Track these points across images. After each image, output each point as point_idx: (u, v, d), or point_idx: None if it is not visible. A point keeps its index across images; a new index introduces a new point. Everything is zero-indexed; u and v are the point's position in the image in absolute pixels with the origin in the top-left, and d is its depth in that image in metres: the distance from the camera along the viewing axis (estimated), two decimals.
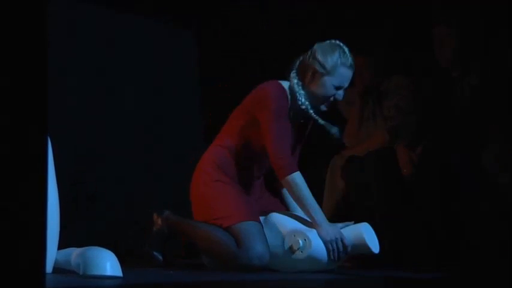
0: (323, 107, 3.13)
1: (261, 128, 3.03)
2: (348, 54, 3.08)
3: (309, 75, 3.08)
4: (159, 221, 3.12)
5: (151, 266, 3.09)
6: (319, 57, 3.07)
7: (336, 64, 3.05)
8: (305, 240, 2.95)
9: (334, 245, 2.95)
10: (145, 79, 4.34)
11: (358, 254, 3.07)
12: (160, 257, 3.12)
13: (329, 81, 3.06)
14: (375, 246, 2.97)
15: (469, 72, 3.67)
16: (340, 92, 3.09)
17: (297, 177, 2.97)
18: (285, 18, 4.42)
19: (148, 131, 4.34)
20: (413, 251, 3.47)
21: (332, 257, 2.94)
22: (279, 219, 3.05)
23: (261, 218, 3.08)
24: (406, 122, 3.83)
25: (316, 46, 3.11)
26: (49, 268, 2.57)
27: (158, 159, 4.33)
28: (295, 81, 3.10)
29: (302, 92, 3.09)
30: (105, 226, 3.98)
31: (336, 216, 3.59)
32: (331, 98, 3.10)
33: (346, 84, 3.10)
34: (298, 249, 2.96)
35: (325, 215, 3.21)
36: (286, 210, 3.21)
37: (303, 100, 3.08)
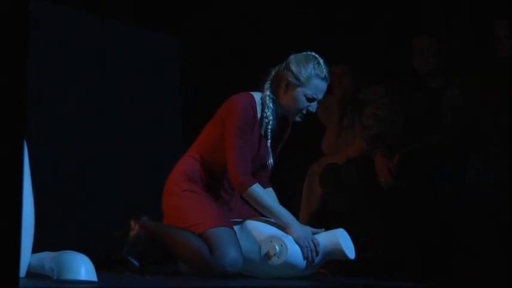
0: (297, 118, 3.12)
1: (225, 141, 3.03)
2: (323, 66, 3.07)
3: (283, 86, 3.08)
4: (136, 227, 3.11)
5: (127, 272, 3.07)
6: (293, 68, 3.06)
7: (309, 75, 3.04)
8: (281, 246, 2.96)
9: (307, 243, 2.96)
10: (132, 85, 4.35)
11: (335, 260, 3.07)
12: (136, 263, 3.10)
13: (302, 93, 3.05)
14: (350, 252, 2.98)
15: (448, 83, 3.69)
16: (314, 104, 3.08)
17: (256, 189, 2.99)
18: (270, 23, 4.44)
19: (137, 134, 4.35)
20: (393, 257, 3.48)
21: (306, 254, 2.95)
22: (255, 225, 3.05)
23: (238, 225, 3.07)
24: (384, 130, 3.85)
25: (291, 57, 3.11)
26: (22, 272, 2.54)
27: (145, 162, 4.34)
28: (268, 93, 3.10)
29: (271, 106, 3.08)
30: (90, 227, 3.98)
31: (313, 223, 3.60)
32: (304, 111, 3.09)
33: (320, 96, 3.09)
34: (274, 255, 2.96)
35: (302, 222, 3.22)
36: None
37: (269, 113, 3.07)
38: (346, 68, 4.09)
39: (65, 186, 3.99)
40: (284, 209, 3.04)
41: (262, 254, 2.98)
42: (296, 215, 3.59)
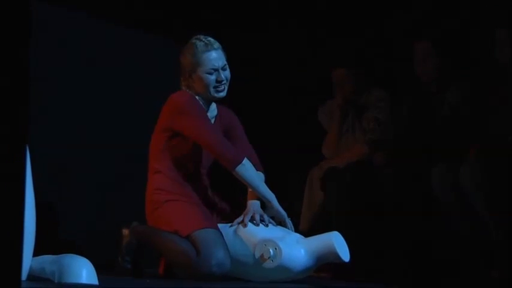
0: (218, 94, 3.12)
1: (191, 135, 3.06)
2: (203, 39, 3.11)
3: (187, 77, 3.14)
4: (128, 233, 3.12)
5: (128, 275, 3.07)
6: (182, 59, 3.14)
7: (196, 56, 3.09)
8: (276, 249, 2.94)
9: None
10: (125, 87, 4.34)
11: (329, 262, 3.06)
12: (133, 268, 3.10)
13: (203, 72, 3.09)
14: (345, 255, 2.96)
15: (448, 89, 3.70)
16: (222, 73, 3.11)
17: (246, 163, 3.05)
18: (268, 25, 4.43)
19: (132, 138, 4.34)
20: (389, 262, 3.49)
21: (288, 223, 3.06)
22: (249, 228, 3.04)
23: (232, 228, 3.07)
24: (386, 134, 3.86)
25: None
26: (23, 276, 2.54)
27: (140, 167, 4.33)
28: (185, 86, 3.15)
29: (197, 96, 3.12)
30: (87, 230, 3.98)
31: (314, 226, 3.60)
32: (217, 83, 3.10)
33: (220, 64, 3.10)
34: (268, 258, 2.95)
35: (304, 225, 3.22)
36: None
37: (200, 103, 3.12)
38: (347, 72, 4.09)
39: (62, 188, 3.99)
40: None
41: (256, 257, 2.97)
42: (297, 218, 3.60)
